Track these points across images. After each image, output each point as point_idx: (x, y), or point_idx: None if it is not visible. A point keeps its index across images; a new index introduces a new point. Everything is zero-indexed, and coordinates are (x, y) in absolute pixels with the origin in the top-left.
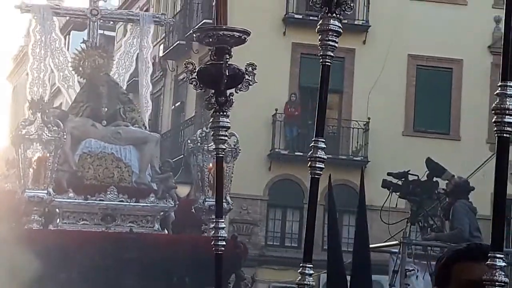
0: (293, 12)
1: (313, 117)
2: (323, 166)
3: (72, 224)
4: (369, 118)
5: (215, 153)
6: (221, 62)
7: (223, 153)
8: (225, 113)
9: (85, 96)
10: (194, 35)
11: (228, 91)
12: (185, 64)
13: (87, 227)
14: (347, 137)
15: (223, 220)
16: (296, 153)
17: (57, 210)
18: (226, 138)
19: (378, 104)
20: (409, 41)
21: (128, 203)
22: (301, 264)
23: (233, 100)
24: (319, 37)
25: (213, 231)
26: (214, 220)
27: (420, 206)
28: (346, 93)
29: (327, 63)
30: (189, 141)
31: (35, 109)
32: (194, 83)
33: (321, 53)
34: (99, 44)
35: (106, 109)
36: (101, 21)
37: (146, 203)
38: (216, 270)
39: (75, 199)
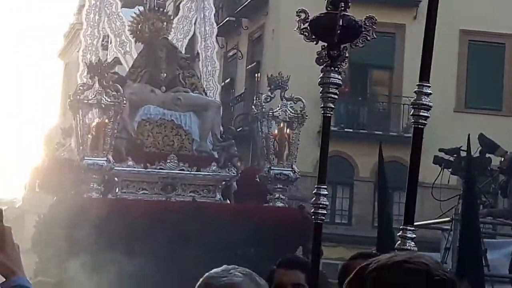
0: None
1: (363, 93)
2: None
3: (131, 194)
4: None
5: (280, 119)
6: (336, 12)
7: (331, 112)
8: (337, 69)
9: (143, 61)
10: None
11: (342, 45)
12: (297, 13)
13: (147, 197)
14: (397, 113)
15: (325, 187)
16: (346, 130)
17: (115, 179)
18: (336, 96)
19: (430, 80)
20: (461, 16)
21: (189, 172)
22: (401, 227)
23: (347, 56)
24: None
25: (314, 198)
26: (316, 186)
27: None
28: (397, 70)
29: (327, 114)
30: (253, 107)
31: (93, 73)
32: (306, 34)
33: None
34: (157, 7)
35: (165, 74)
36: None
37: (208, 172)
38: (314, 240)
39: (134, 167)
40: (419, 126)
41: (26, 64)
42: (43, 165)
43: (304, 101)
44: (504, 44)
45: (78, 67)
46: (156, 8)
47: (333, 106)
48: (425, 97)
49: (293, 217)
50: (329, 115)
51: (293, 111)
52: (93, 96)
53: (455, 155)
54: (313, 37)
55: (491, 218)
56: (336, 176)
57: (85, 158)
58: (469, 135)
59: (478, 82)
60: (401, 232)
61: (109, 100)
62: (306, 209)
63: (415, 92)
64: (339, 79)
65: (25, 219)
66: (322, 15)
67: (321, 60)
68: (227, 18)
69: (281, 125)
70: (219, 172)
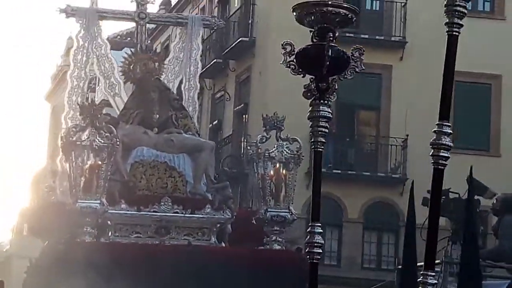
0: None
1: (351, 134)
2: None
3: (124, 237)
4: (407, 135)
5: (277, 159)
6: (324, 43)
7: (322, 147)
8: (326, 102)
9: (135, 103)
10: (294, 13)
11: (331, 77)
12: (283, 45)
13: (140, 240)
14: (385, 154)
15: (319, 224)
16: (334, 171)
17: (108, 222)
18: (326, 130)
19: (416, 121)
20: None
21: (183, 215)
22: (422, 272)
23: (336, 88)
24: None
25: (308, 237)
26: (310, 224)
27: (462, 225)
28: (384, 110)
29: (318, 149)
30: (248, 147)
31: (86, 114)
32: (292, 67)
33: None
34: (149, 48)
35: (157, 116)
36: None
37: (202, 214)
38: (310, 280)
39: (128, 210)
40: (439, 167)
41: (13, 105)
42: (31, 208)
43: (300, 141)
44: (490, 85)
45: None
46: (149, 49)
47: (323, 141)
48: (445, 137)
49: (291, 260)
50: (321, 149)
51: (289, 152)
52: (86, 137)
53: (443, 197)
54: (300, 70)
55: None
56: (325, 217)
57: (78, 201)
58: (471, 176)
59: (465, 123)
60: (422, 277)
61: (102, 141)
62: (303, 251)
63: (434, 131)
64: (329, 112)
65: (13, 263)
66: (309, 46)
67: (309, 94)
68: (215, 60)
69: (277, 165)
70: (214, 215)
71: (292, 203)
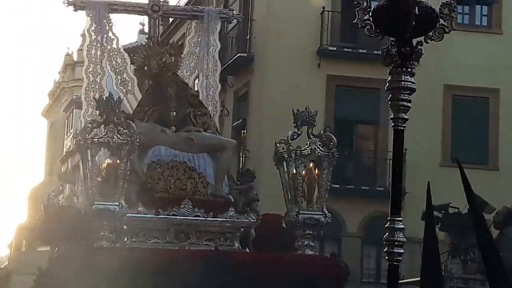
0: (327, 44)
1: (349, 148)
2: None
3: (141, 243)
4: (405, 149)
5: (310, 157)
6: None
7: (404, 125)
8: (409, 70)
9: (151, 99)
10: None
11: (415, 40)
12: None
13: (158, 246)
14: (383, 168)
15: (400, 218)
16: (333, 185)
17: (124, 226)
18: (408, 104)
19: (414, 135)
20: (445, 71)
21: (204, 218)
22: None
23: (422, 52)
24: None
25: (387, 233)
26: (389, 218)
27: (461, 239)
28: (383, 125)
29: (400, 127)
30: (277, 144)
31: (104, 109)
32: (367, 27)
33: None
34: (166, 41)
35: (175, 113)
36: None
37: (225, 218)
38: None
39: (145, 214)
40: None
41: (10, 121)
42: (37, 218)
43: (334, 138)
44: (488, 98)
45: (64, 126)
46: (164, 43)
47: (406, 117)
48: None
49: (326, 267)
50: (402, 128)
51: (322, 149)
52: (103, 134)
53: (443, 211)
54: (377, 31)
55: (480, 275)
56: (324, 231)
57: (95, 202)
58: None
59: (464, 137)
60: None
61: (121, 138)
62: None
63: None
64: (412, 82)
65: (12, 280)
66: (389, 2)
67: (387, 60)
68: None
69: (310, 164)
70: (238, 218)
71: (325, 205)
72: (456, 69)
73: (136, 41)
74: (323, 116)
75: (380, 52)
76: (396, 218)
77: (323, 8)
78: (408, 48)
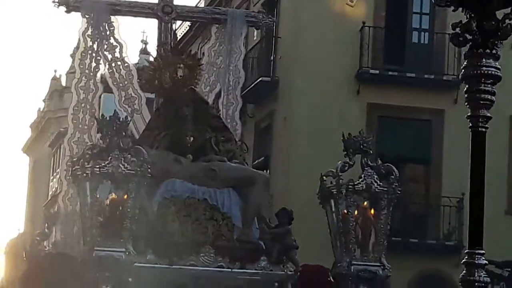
0: (368, 67)
1: None
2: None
3: None
4: (463, 194)
5: (365, 194)
6: None
7: (486, 126)
8: (493, 52)
9: (162, 121)
10: None
11: (501, 12)
12: None
13: None
14: (437, 217)
15: (483, 251)
16: None
17: (129, 279)
18: (492, 97)
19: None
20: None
21: (230, 270)
22: None
23: (511, 29)
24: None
25: (464, 271)
26: (468, 251)
27: None
28: (435, 164)
29: (481, 129)
30: (324, 177)
31: (108, 131)
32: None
33: (469, 114)
34: (181, 50)
35: (191, 138)
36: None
37: (256, 269)
38: None
39: (156, 263)
40: None
41: None
42: (16, 272)
43: (395, 170)
44: None
45: (50, 164)
46: (180, 52)
47: (488, 115)
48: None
49: None
50: (484, 128)
51: (380, 184)
52: (106, 162)
53: (509, 269)
54: (451, 2)
55: None
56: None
57: (95, 248)
58: None
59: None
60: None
61: (129, 167)
62: None
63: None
64: (497, 68)
65: None
66: None
67: (461, 39)
68: None
69: (365, 203)
70: (271, 270)
71: (384, 254)
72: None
73: (137, 63)
74: None
75: (432, 77)
76: (477, 251)
77: (363, 23)
78: (493, 23)
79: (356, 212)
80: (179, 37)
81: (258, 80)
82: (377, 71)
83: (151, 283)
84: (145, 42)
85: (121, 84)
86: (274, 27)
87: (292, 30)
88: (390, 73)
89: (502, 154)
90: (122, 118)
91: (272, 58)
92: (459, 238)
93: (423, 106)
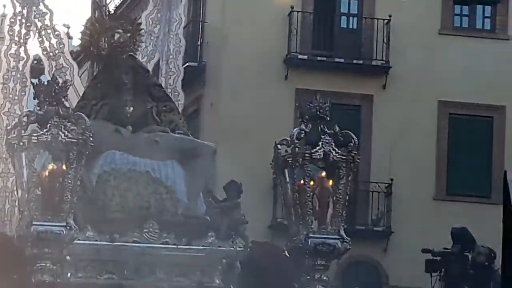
0: (296, 52)
1: None
2: None
3: (90, 279)
4: (391, 180)
5: (322, 163)
6: None
7: None
8: None
9: (100, 90)
10: None
11: None
12: None
13: (114, 283)
14: (365, 203)
15: None
16: None
17: (67, 257)
18: None
19: (402, 163)
20: (439, 85)
21: (175, 246)
22: None
23: None
24: None
25: None
26: None
27: None
28: (364, 149)
29: None
30: (278, 146)
31: (45, 97)
32: None
33: None
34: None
35: (131, 108)
36: None
37: (203, 245)
38: None
39: (96, 240)
40: None
41: None
42: None
43: (354, 137)
44: (492, 118)
45: None
46: (118, 16)
47: None
48: None
49: None
50: None
51: (339, 152)
52: (44, 131)
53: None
54: None
55: None
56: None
57: (34, 223)
58: None
59: (462, 164)
60: None
61: (69, 136)
62: None
63: None
64: None
65: None
66: None
67: None
68: None
69: (322, 173)
70: (220, 246)
71: (343, 226)
72: (454, 82)
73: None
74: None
75: (362, 63)
76: None
77: (291, 7)
78: None
79: (312, 183)
80: (116, 5)
81: (185, 65)
82: (306, 56)
83: (91, 261)
84: (67, 26)
85: (51, 53)
86: (202, 11)
87: (219, 15)
88: (318, 58)
89: (431, 138)
90: (61, 83)
91: (199, 43)
92: (387, 224)
93: (352, 91)
